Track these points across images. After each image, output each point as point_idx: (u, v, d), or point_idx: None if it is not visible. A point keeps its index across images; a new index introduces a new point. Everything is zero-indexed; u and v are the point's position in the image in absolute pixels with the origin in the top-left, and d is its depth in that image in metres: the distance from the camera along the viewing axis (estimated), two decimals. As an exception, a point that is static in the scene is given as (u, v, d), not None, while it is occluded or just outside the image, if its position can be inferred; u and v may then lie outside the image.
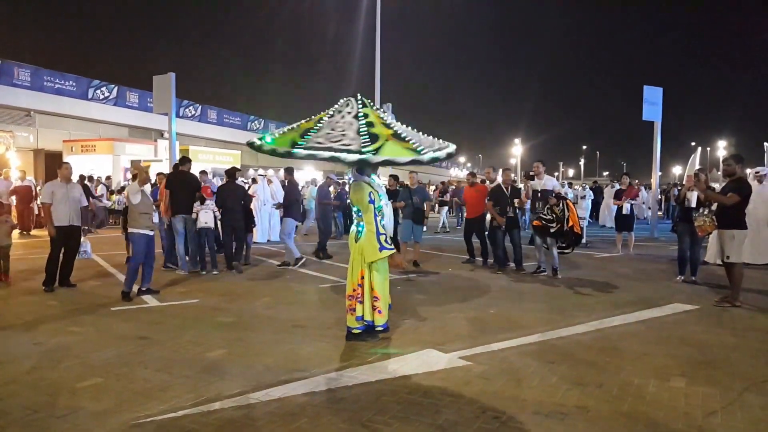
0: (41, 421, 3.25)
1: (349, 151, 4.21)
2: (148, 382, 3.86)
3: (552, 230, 7.98)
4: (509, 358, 4.42)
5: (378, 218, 4.66)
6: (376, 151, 4.21)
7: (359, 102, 4.78)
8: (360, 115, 4.62)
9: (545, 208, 8.07)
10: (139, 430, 3.16)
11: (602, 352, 4.56)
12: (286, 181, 9.97)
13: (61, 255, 7.15)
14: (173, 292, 6.87)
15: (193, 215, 8.40)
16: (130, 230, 6.80)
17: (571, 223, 7.93)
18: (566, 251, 8.37)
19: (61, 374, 4.03)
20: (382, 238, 4.65)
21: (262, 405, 3.47)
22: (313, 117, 4.80)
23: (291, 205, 9.56)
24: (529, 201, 9.21)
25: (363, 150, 4.20)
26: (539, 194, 8.79)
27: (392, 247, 4.73)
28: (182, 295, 6.83)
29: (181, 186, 8.41)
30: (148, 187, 7.04)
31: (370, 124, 4.50)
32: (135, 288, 6.71)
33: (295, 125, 4.79)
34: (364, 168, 4.74)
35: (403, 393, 3.65)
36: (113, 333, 5.15)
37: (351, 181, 4.90)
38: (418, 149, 4.38)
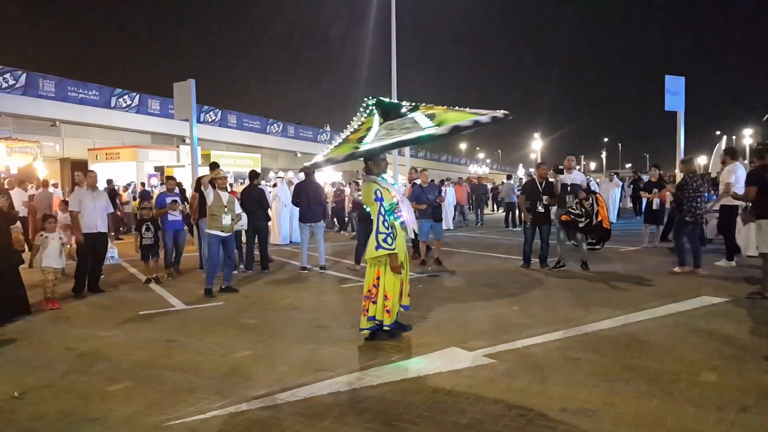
0: (75, 424, 3.34)
1: (419, 134, 4.28)
2: (176, 385, 3.93)
3: (581, 225, 7.88)
4: (534, 355, 4.39)
5: (381, 217, 4.63)
6: (439, 124, 4.24)
7: (410, 105, 4.85)
8: (414, 113, 4.67)
9: (575, 203, 7.96)
10: None
11: (629, 347, 4.50)
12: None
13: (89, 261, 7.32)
14: (198, 295, 6.97)
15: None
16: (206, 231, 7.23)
17: (600, 218, 7.81)
18: (596, 247, 8.23)
19: (93, 378, 4.13)
20: (381, 237, 4.60)
21: (288, 405, 3.51)
22: (350, 129, 4.88)
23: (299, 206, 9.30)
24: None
25: (425, 126, 4.27)
26: (568, 188, 8.66)
27: (392, 247, 4.60)
28: (207, 297, 6.93)
29: None
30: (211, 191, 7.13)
31: (424, 112, 4.59)
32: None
33: (340, 139, 4.87)
34: (371, 168, 4.80)
35: (428, 392, 3.65)
36: (141, 336, 5.26)
37: (362, 182, 4.92)
38: (474, 113, 4.41)
